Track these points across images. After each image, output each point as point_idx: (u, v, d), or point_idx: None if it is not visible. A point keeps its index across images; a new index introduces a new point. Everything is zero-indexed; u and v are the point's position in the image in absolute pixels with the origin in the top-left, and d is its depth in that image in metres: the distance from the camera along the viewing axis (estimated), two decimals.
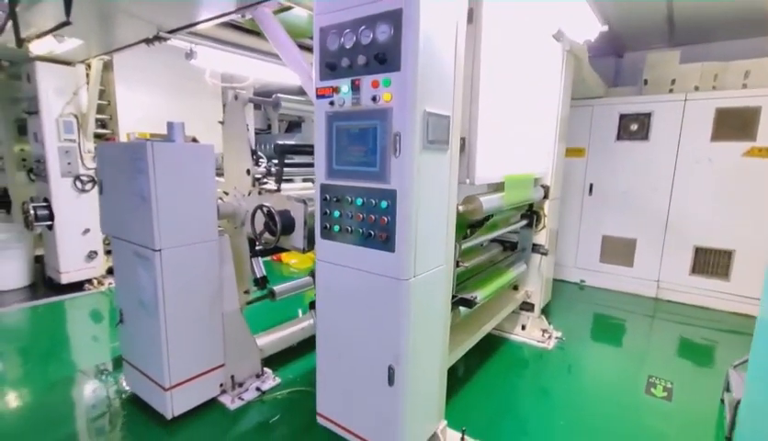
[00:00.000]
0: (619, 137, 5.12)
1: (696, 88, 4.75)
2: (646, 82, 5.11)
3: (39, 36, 3.01)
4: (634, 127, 5.00)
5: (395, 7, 1.61)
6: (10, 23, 2.78)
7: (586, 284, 5.53)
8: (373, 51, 1.69)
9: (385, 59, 1.66)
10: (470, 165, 2.22)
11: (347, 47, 1.77)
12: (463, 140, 2.17)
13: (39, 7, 2.90)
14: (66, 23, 2.31)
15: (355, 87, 1.76)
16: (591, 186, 5.38)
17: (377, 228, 1.79)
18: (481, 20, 2.11)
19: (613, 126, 5.13)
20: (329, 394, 2.16)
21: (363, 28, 1.71)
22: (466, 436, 2.37)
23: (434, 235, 1.92)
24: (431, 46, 1.69)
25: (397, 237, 1.74)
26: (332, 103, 1.85)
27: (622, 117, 5.06)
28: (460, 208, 2.23)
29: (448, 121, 1.87)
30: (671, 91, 4.90)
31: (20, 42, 2.68)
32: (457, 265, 2.31)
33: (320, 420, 2.22)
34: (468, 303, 2.37)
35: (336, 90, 1.83)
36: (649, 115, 4.89)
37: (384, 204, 1.75)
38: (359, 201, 1.83)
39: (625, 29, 5.31)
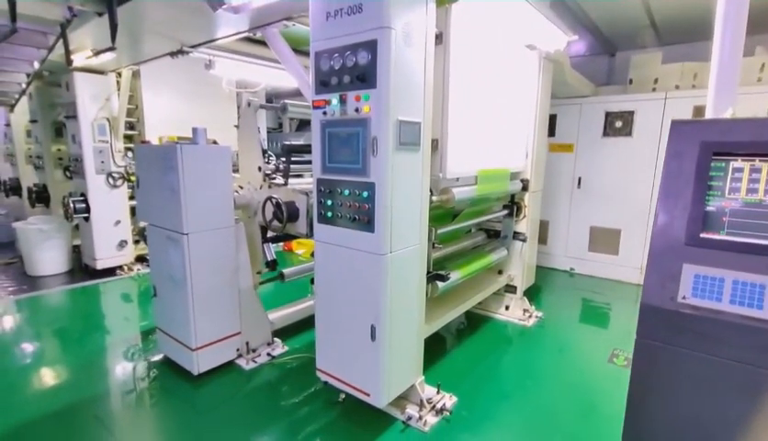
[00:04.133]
0: (605, 133, 5.45)
1: (677, 87, 5.06)
2: (631, 81, 5.43)
3: (88, 57, 3.53)
4: (618, 124, 5.33)
5: (372, 38, 2.05)
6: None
7: (575, 272, 5.89)
8: (356, 72, 2.13)
9: (365, 78, 2.10)
10: (443, 162, 2.64)
11: (336, 68, 2.21)
12: (436, 140, 2.60)
13: (83, 30, 3.42)
14: (112, 48, 2.80)
15: (343, 101, 2.21)
16: (579, 179, 5.73)
17: (360, 213, 2.24)
18: (449, 41, 2.52)
19: (599, 123, 5.46)
20: (326, 352, 2.63)
21: (348, 53, 2.15)
22: (441, 391, 2.82)
23: (408, 219, 2.36)
24: (402, 67, 2.12)
25: (376, 220, 2.19)
26: (324, 113, 2.30)
27: (608, 114, 5.39)
28: (434, 198, 2.66)
29: (419, 127, 2.30)
30: (654, 90, 5.22)
31: (69, 61, 3.19)
32: (433, 246, 2.74)
33: (319, 374, 2.69)
34: (442, 278, 2.81)
35: (328, 102, 2.27)
36: (632, 113, 5.21)
37: (365, 194, 2.19)
38: (347, 192, 2.28)
39: (613, 32, 5.63)
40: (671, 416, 1.33)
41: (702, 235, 1.29)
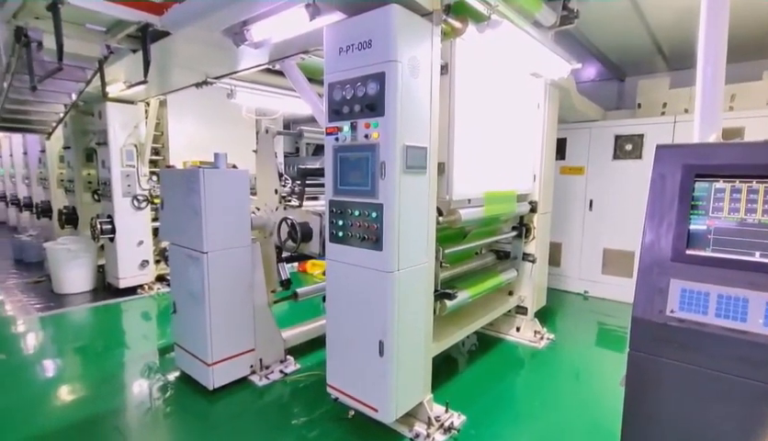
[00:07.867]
0: (615, 156, 5.50)
1: (686, 110, 5.11)
2: (639, 105, 5.52)
3: (122, 89, 3.83)
4: (628, 147, 5.38)
5: (380, 70, 2.21)
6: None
7: (589, 294, 5.84)
8: (365, 101, 2.29)
9: (374, 107, 2.26)
10: (449, 184, 2.76)
11: (347, 98, 2.37)
12: (442, 164, 2.73)
13: (118, 65, 3.72)
14: (144, 82, 3.05)
15: (353, 128, 2.36)
16: (591, 201, 5.76)
17: (369, 232, 2.36)
18: (454, 71, 2.68)
19: (609, 146, 5.53)
20: (336, 369, 2.70)
21: (358, 84, 2.32)
22: (450, 409, 2.84)
23: (415, 239, 2.46)
24: (408, 96, 2.28)
25: (384, 239, 2.30)
26: (337, 139, 2.46)
27: (617, 138, 5.46)
28: (441, 219, 2.76)
29: (425, 151, 2.43)
30: (663, 114, 5.28)
31: (105, 93, 3.47)
32: (441, 265, 2.82)
33: (329, 390, 2.76)
34: (449, 296, 2.88)
35: (340, 129, 2.44)
36: (641, 136, 5.27)
37: (374, 214, 2.32)
38: (357, 212, 2.41)
39: (621, 59, 5.77)
40: (663, 426, 1.37)
41: (688, 252, 1.36)
